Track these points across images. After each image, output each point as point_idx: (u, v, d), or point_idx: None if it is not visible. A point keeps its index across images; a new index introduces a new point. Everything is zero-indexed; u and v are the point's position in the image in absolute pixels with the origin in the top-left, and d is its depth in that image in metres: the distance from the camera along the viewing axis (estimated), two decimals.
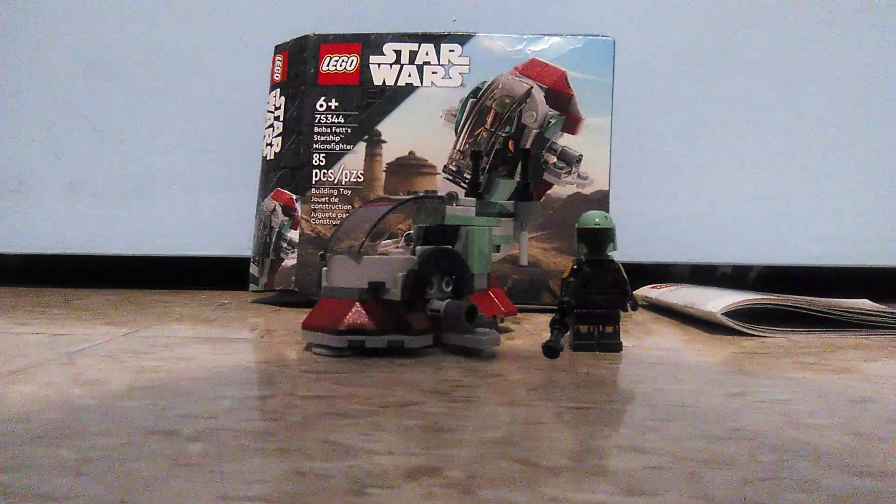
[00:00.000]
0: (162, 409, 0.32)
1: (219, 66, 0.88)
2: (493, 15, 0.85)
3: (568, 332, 0.46)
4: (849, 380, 0.40)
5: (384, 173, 0.71)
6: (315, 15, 0.86)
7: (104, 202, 0.90)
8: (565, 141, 0.70)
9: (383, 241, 0.52)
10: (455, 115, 0.71)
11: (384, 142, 0.71)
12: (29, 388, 0.35)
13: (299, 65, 0.73)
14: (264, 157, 0.76)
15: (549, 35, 0.71)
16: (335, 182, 0.71)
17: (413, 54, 0.71)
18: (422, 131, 0.71)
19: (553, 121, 0.70)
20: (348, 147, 0.71)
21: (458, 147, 0.71)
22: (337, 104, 0.72)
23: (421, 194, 0.51)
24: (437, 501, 0.21)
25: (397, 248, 0.50)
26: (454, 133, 0.71)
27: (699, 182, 0.85)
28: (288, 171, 0.73)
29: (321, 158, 0.72)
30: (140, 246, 0.89)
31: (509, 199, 0.59)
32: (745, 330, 0.55)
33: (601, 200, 0.70)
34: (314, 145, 0.72)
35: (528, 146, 0.69)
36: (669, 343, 0.52)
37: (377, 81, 0.71)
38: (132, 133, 0.89)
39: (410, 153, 0.71)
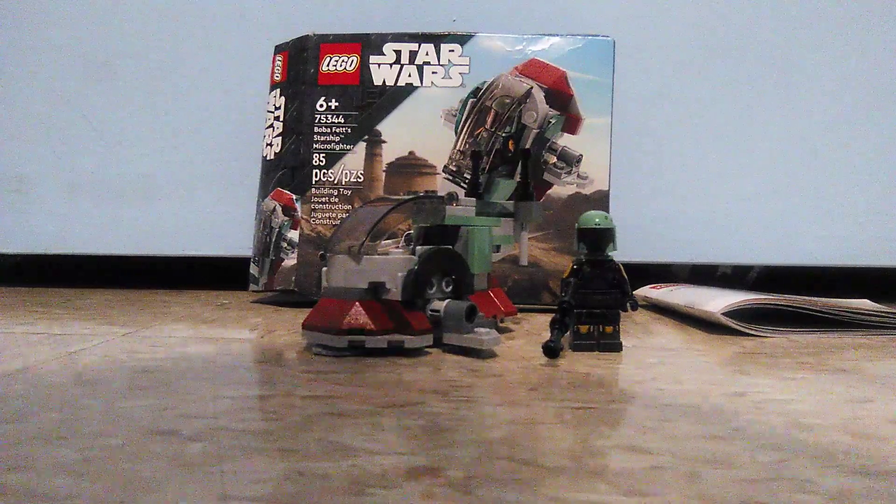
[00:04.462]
0: (162, 409, 0.32)
1: (219, 66, 0.88)
2: (493, 15, 0.85)
3: (568, 332, 0.46)
4: (849, 380, 0.40)
5: (384, 173, 0.71)
6: (315, 15, 0.86)
7: (104, 202, 0.90)
8: (565, 141, 0.70)
9: (383, 241, 0.52)
10: (455, 115, 0.71)
11: (384, 142, 0.71)
12: (29, 388, 0.35)
13: (299, 65, 0.73)
14: (264, 157, 0.76)
15: (549, 35, 0.71)
16: (335, 182, 0.71)
17: (413, 54, 0.71)
18: (422, 131, 0.71)
19: (553, 121, 0.70)
20: (348, 147, 0.71)
21: (458, 147, 0.71)
22: (337, 104, 0.72)
23: (421, 194, 0.51)
24: (437, 501, 0.21)
25: (397, 248, 0.50)
26: (454, 133, 0.71)
27: (699, 182, 0.85)
28: (288, 171, 0.73)
29: (321, 158, 0.72)
30: (140, 246, 0.89)
31: (509, 199, 0.59)
32: (745, 330, 0.55)
33: (601, 200, 0.70)
34: (314, 145, 0.72)
35: (528, 146, 0.69)
36: (669, 343, 0.52)
37: (377, 81, 0.71)
38: (132, 133, 0.89)
39: (410, 153, 0.71)
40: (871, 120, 0.84)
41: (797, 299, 0.56)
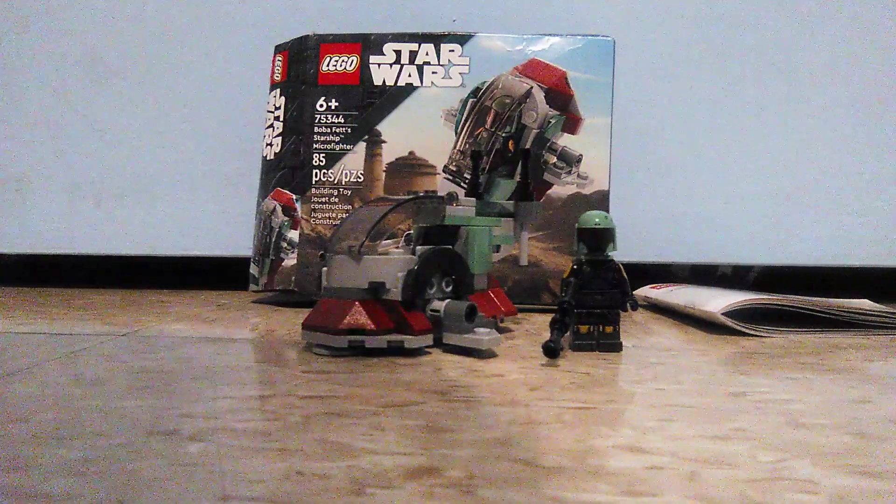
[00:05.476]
0: (162, 409, 0.32)
1: (219, 66, 0.88)
2: (493, 15, 0.85)
3: (568, 332, 0.46)
4: (849, 380, 0.40)
5: (384, 173, 0.71)
6: (315, 15, 0.86)
7: (104, 202, 0.90)
8: (565, 141, 0.70)
9: (383, 241, 0.52)
10: (455, 115, 0.71)
11: (384, 142, 0.71)
12: (29, 388, 0.35)
13: (299, 65, 0.73)
14: (264, 157, 0.76)
15: (549, 35, 0.71)
16: (335, 182, 0.71)
17: (413, 54, 0.71)
18: (422, 131, 0.71)
19: (553, 121, 0.70)
20: (348, 147, 0.71)
21: (458, 147, 0.71)
22: (337, 104, 0.72)
23: (421, 194, 0.51)
24: (437, 501, 0.21)
25: (397, 248, 0.50)
26: (454, 133, 0.71)
27: (699, 182, 0.85)
28: (288, 171, 0.73)
29: (321, 158, 0.72)
30: (140, 246, 0.89)
31: (509, 199, 0.59)
32: (745, 330, 0.55)
33: (601, 200, 0.70)
34: (314, 145, 0.72)
35: (528, 146, 0.69)
36: (669, 343, 0.52)
37: (377, 81, 0.71)
38: (132, 133, 0.89)
39: (410, 153, 0.71)
40: (871, 120, 0.84)
41: (797, 299, 0.56)
